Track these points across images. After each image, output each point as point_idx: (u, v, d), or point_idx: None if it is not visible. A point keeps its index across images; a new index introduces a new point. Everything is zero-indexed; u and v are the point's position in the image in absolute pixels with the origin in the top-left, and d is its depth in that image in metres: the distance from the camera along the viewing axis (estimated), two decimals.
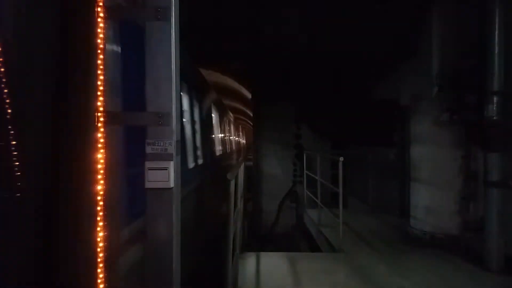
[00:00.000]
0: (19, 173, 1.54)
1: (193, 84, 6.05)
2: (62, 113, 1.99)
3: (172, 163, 1.99)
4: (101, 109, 1.84)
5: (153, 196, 2.01)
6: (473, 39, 4.87)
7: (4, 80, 1.50)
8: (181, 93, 5.01)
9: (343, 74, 8.20)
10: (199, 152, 6.43)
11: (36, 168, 1.69)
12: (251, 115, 11.91)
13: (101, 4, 1.83)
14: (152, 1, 1.97)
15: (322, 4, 5.77)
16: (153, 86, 2.00)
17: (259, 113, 10.10)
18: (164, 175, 1.98)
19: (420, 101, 5.51)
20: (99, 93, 1.84)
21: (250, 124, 17.18)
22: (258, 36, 7.47)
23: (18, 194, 1.55)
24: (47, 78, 1.88)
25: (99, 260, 1.79)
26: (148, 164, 1.98)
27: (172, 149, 2.00)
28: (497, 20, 4.12)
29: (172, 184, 1.99)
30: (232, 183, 3.12)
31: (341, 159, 4.96)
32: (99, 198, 1.80)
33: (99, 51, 1.84)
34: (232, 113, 20.02)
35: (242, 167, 4.42)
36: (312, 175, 7.07)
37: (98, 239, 1.79)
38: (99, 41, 1.83)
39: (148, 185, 1.99)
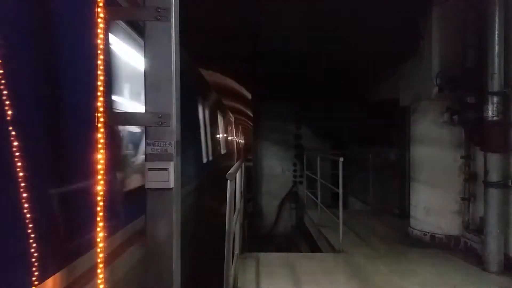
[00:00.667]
0: (19, 173, 1.54)
1: (193, 85, 6.05)
2: (62, 113, 1.99)
3: (172, 163, 1.99)
4: (101, 109, 1.84)
5: (153, 196, 2.00)
6: (473, 39, 4.87)
7: (4, 80, 1.49)
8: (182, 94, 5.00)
9: (343, 74, 8.20)
10: (198, 153, 6.43)
11: (36, 168, 1.69)
12: (251, 115, 11.90)
13: (101, 4, 1.83)
14: (152, 1, 1.97)
15: (322, 4, 5.77)
16: (153, 86, 2.00)
17: (259, 113, 10.09)
18: (164, 176, 1.98)
19: (420, 101, 5.51)
20: (99, 93, 1.83)
21: (250, 124, 17.17)
22: (258, 36, 7.47)
23: (18, 194, 1.55)
24: (47, 78, 1.87)
25: (99, 260, 1.79)
26: (148, 165, 1.98)
27: (172, 149, 2.00)
28: (497, 20, 4.11)
29: (172, 185, 1.99)
30: (232, 183, 3.12)
31: (341, 159, 4.96)
32: (99, 198, 1.80)
33: (99, 51, 1.83)
34: (232, 113, 20.03)
35: (242, 167, 4.42)
36: (312, 176, 7.08)
37: (98, 239, 1.78)
38: (99, 41, 1.83)
39: (148, 185, 1.99)
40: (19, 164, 1.53)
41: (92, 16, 1.85)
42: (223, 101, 14.23)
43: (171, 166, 1.98)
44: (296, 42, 7.45)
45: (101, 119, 1.84)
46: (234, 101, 18.02)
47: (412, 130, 5.73)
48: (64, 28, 2.03)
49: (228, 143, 14.69)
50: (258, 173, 9.95)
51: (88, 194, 1.93)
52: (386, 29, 5.85)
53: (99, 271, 1.79)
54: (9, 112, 1.50)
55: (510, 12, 4.17)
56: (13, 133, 1.51)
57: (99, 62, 1.83)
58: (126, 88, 2.96)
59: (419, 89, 5.54)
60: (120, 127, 2.61)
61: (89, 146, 1.91)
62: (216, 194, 7.78)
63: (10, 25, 1.59)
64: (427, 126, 5.36)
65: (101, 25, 1.83)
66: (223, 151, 11.64)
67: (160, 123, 1.97)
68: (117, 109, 2.61)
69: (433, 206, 5.29)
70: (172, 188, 2.00)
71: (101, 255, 1.79)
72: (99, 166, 1.81)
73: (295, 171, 9.68)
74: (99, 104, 1.84)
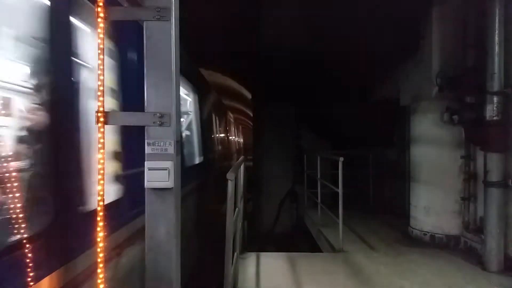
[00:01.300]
0: (18, 173, 1.54)
1: (193, 85, 6.05)
2: (62, 113, 1.99)
3: (172, 163, 1.99)
4: (101, 109, 1.84)
5: (153, 196, 2.00)
6: (473, 39, 4.87)
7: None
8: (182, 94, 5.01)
9: (343, 74, 8.19)
10: (198, 153, 6.43)
11: (35, 168, 1.69)
12: (251, 115, 11.90)
13: (101, 4, 1.83)
14: (152, 1, 1.97)
15: (322, 3, 5.77)
16: (153, 86, 2.00)
17: (259, 113, 10.09)
18: (164, 175, 1.98)
19: (420, 101, 5.51)
20: (99, 93, 1.83)
21: (250, 124, 17.17)
22: (258, 36, 7.47)
23: (19, 194, 1.55)
24: (47, 77, 1.88)
25: (99, 260, 1.79)
26: (148, 164, 1.98)
27: (172, 149, 2.00)
28: (497, 19, 4.11)
29: (172, 184, 1.99)
30: (232, 183, 3.12)
31: (341, 159, 4.96)
32: (99, 198, 1.80)
33: (99, 51, 1.83)
34: (232, 113, 20.02)
35: (242, 167, 4.42)
36: (312, 175, 7.07)
37: (98, 239, 1.78)
38: (99, 41, 1.83)
39: (148, 185, 1.99)
40: (18, 163, 1.53)
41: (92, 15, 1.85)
42: (222, 101, 14.23)
43: (171, 165, 1.98)
44: (296, 41, 7.44)
45: (101, 119, 1.84)
46: (234, 101, 18.02)
47: (412, 130, 5.73)
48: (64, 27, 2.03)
49: (228, 143, 14.68)
50: (258, 173, 9.95)
51: (89, 193, 1.93)
52: (387, 28, 5.85)
53: (99, 271, 1.79)
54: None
55: (510, 12, 4.17)
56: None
57: (99, 62, 1.83)
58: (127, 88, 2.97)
59: (419, 89, 5.54)
60: None
61: (90, 146, 1.91)
62: (216, 193, 7.78)
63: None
64: (427, 126, 5.36)
65: (101, 25, 1.83)
66: (223, 151, 11.64)
67: (160, 123, 1.97)
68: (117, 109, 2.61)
69: (433, 206, 5.29)
70: (172, 187, 2.00)
71: (101, 254, 1.79)
72: (99, 166, 1.81)
73: (295, 170, 9.67)
74: (99, 104, 1.84)
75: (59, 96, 1.89)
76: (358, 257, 4.74)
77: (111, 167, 2.39)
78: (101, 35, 1.84)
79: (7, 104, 1.93)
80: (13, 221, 1.54)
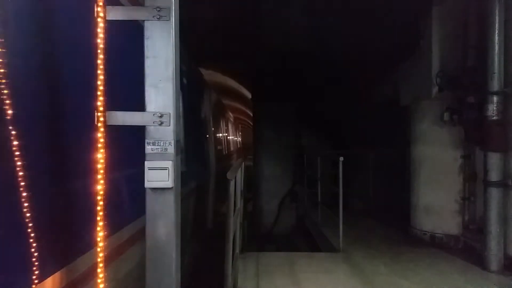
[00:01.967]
0: (19, 174, 1.54)
1: (192, 85, 6.05)
2: (62, 112, 1.99)
3: (172, 163, 1.99)
4: (101, 109, 1.84)
5: (153, 196, 2.01)
6: (473, 39, 4.87)
7: (4, 80, 1.50)
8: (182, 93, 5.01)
9: (344, 74, 8.20)
10: (199, 152, 6.43)
11: (35, 168, 1.69)
12: (251, 114, 11.90)
13: (101, 3, 1.83)
14: (152, 0, 1.97)
15: (322, 4, 5.77)
16: (153, 86, 2.00)
17: (259, 113, 10.09)
18: (164, 175, 1.98)
19: (420, 101, 5.51)
20: (99, 93, 1.83)
21: (250, 124, 17.17)
22: (258, 36, 7.47)
23: (18, 194, 1.55)
24: (47, 77, 1.88)
25: (99, 259, 1.79)
26: (148, 164, 1.98)
27: (172, 149, 2.00)
28: (497, 19, 4.11)
29: (172, 184, 1.99)
30: (232, 182, 3.12)
31: (341, 159, 4.96)
32: (99, 198, 1.80)
33: (99, 51, 1.83)
34: (232, 113, 20.02)
35: (242, 166, 4.42)
36: (313, 175, 7.08)
37: (98, 239, 1.79)
38: (99, 40, 1.83)
39: (148, 185, 1.99)
40: (19, 163, 1.53)
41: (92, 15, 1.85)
42: (222, 100, 14.23)
43: (171, 165, 1.98)
44: (296, 41, 7.45)
45: (101, 119, 1.84)
46: (234, 101, 18.02)
47: (412, 129, 5.73)
48: (64, 27, 2.03)
49: (228, 142, 14.69)
50: (258, 173, 9.95)
51: (89, 193, 1.93)
52: (386, 28, 5.85)
53: (99, 270, 1.79)
54: (9, 112, 1.50)
55: (510, 12, 4.17)
56: (13, 132, 1.51)
57: (99, 61, 1.83)
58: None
59: (419, 88, 5.54)
60: None
61: (90, 145, 1.91)
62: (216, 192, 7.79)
63: (10, 25, 1.60)
64: (427, 126, 5.36)
65: (101, 24, 1.83)
66: (223, 151, 11.64)
67: (160, 123, 1.98)
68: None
69: (433, 205, 5.29)
70: (172, 187, 2.00)
71: (101, 254, 1.79)
72: (99, 166, 1.81)
73: (295, 170, 9.67)
74: (99, 103, 1.84)
75: None
76: (358, 257, 4.74)
77: None
78: (101, 35, 1.83)
79: None
80: None
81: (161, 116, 1.97)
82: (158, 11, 1.96)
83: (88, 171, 1.93)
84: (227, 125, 14.64)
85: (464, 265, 4.41)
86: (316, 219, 6.55)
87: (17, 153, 1.52)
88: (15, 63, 1.59)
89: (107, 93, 1.86)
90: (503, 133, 4.19)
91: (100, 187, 1.80)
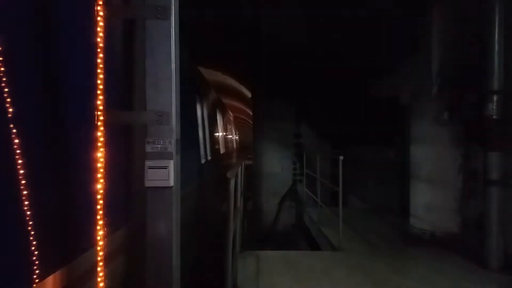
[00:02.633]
0: (19, 172, 1.54)
1: (193, 84, 6.05)
2: (61, 111, 1.99)
3: (172, 162, 1.99)
4: (100, 107, 1.84)
5: (153, 194, 2.01)
6: (473, 38, 4.86)
7: (4, 79, 1.50)
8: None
9: (343, 73, 8.20)
10: (200, 150, 6.43)
11: (36, 167, 1.69)
12: (251, 113, 11.90)
13: (100, 2, 1.83)
14: None
15: (322, 2, 5.76)
16: (153, 85, 2.00)
17: (259, 112, 10.09)
18: (164, 174, 1.98)
19: (420, 99, 5.51)
20: (98, 91, 1.83)
21: (250, 123, 17.17)
22: (258, 36, 7.46)
23: (19, 193, 1.55)
24: (47, 76, 1.88)
25: (98, 258, 1.79)
26: (148, 163, 1.99)
27: (172, 148, 2.00)
28: (497, 18, 4.11)
29: (172, 183, 1.99)
30: (232, 181, 3.13)
31: (341, 157, 4.96)
32: (98, 196, 1.80)
33: (98, 50, 1.83)
34: (232, 112, 20.02)
35: (242, 165, 4.42)
36: (312, 174, 7.08)
37: (98, 238, 1.79)
38: (98, 39, 1.83)
39: (148, 183, 1.99)
40: (19, 161, 1.53)
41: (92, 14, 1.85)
42: (222, 99, 14.23)
43: (171, 164, 1.99)
44: (296, 40, 7.44)
45: (101, 118, 1.84)
46: (234, 100, 18.02)
47: (412, 128, 5.73)
48: (64, 27, 2.02)
49: (227, 142, 14.69)
50: (258, 172, 9.96)
51: (89, 192, 1.93)
52: (386, 27, 5.85)
53: (99, 269, 1.80)
54: (10, 110, 1.50)
55: (510, 10, 4.16)
56: (14, 130, 1.51)
57: (98, 60, 1.83)
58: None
59: (418, 87, 5.54)
60: None
61: (90, 144, 1.91)
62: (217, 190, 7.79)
63: (10, 25, 1.59)
64: (427, 124, 5.36)
65: (101, 23, 1.83)
66: (222, 150, 11.64)
67: (160, 122, 1.98)
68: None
69: (433, 204, 5.29)
70: (172, 186, 2.00)
71: (101, 253, 1.79)
72: (99, 165, 1.81)
73: (294, 169, 9.68)
74: (98, 102, 1.84)
75: None
76: (357, 255, 4.74)
77: None
78: (101, 33, 1.83)
79: None
80: None
81: (161, 115, 1.97)
82: (158, 10, 1.96)
83: (89, 169, 1.93)
84: (225, 124, 14.64)
85: (463, 264, 4.42)
86: (315, 218, 6.56)
87: (18, 151, 1.52)
88: (14, 61, 1.59)
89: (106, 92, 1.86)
90: (503, 132, 4.20)
91: (99, 186, 1.80)
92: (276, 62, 8.51)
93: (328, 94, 8.97)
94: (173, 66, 2.01)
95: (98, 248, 1.79)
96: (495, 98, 4.18)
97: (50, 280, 1.71)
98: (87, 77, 2.19)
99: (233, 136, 19.91)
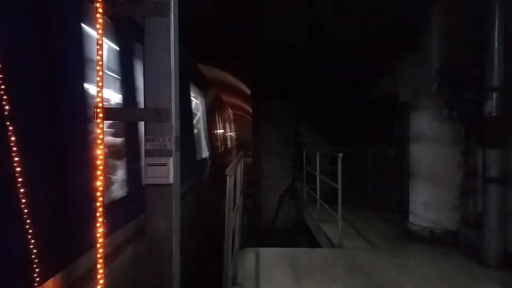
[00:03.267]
0: (19, 171, 1.53)
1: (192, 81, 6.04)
2: (61, 108, 1.98)
3: (171, 159, 1.99)
4: (100, 105, 1.83)
5: (153, 192, 2.00)
6: (473, 35, 4.85)
7: (4, 79, 1.49)
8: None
9: (343, 71, 8.18)
10: (201, 146, 6.43)
11: (36, 165, 1.69)
12: (250, 110, 11.89)
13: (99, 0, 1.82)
14: None
15: (321, 1, 5.74)
16: (152, 82, 1.99)
17: (259, 110, 10.08)
18: (164, 171, 1.97)
19: (420, 97, 5.50)
20: (98, 89, 1.83)
21: (250, 120, 17.16)
22: (258, 34, 7.45)
23: (18, 192, 1.54)
24: (46, 74, 1.87)
25: (98, 256, 1.79)
26: (147, 160, 1.98)
27: (171, 145, 1.99)
28: (497, 15, 4.10)
29: (171, 180, 1.99)
30: (232, 179, 3.12)
31: (340, 155, 4.96)
32: (98, 194, 1.80)
33: (97, 47, 1.82)
34: (231, 109, 20.00)
35: (241, 163, 4.41)
36: (312, 172, 7.08)
37: (98, 235, 1.79)
38: (97, 36, 1.82)
39: (147, 181, 1.99)
40: (17, 159, 1.53)
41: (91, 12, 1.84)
42: (222, 97, 14.21)
43: (170, 161, 1.98)
44: (295, 38, 7.42)
45: (100, 115, 1.83)
46: (233, 97, 18.00)
47: (412, 126, 5.73)
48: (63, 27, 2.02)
49: (226, 139, 14.68)
50: (257, 169, 9.95)
51: (89, 191, 1.92)
52: (386, 24, 5.83)
53: (99, 266, 1.79)
54: (7, 108, 1.50)
55: (510, 8, 4.15)
56: (11, 128, 1.51)
57: (97, 57, 1.83)
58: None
59: (418, 85, 5.53)
60: None
61: (90, 143, 1.90)
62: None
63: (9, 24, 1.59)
64: (427, 122, 5.36)
65: (100, 21, 1.82)
66: (222, 148, 11.64)
67: (159, 119, 1.97)
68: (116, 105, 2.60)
69: (432, 201, 5.29)
70: (171, 183, 2.00)
71: (100, 250, 1.79)
72: (98, 162, 1.81)
73: (294, 167, 9.68)
74: (97, 99, 1.83)
75: None
76: (357, 253, 4.75)
77: None
78: (100, 31, 1.83)
79: None
80: None
81: (160, 112, 1.97)
82: (157, 7, 1.95)
83: (88, 167, 1.92)
84: (224, 122, 14.63)
85: (463, 261, 4.43)
86: (315, 215, 6.56)
87: (14, 148, 1.51)
88: (12, 58, 1.59)
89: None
90: (503, 129, 4.19)
91: (99, 183, 1.80)
92: (276, 60, 8.49)
93: (328, 91, 8.94)
94: (172, 63, 2.00)
95: (98, 245, 1.78)
96: (494, 95, 4.18)
97: (50, 283, 1.71)
98: (86, 74, 2.19)
99: (232, 133, 19.89)
